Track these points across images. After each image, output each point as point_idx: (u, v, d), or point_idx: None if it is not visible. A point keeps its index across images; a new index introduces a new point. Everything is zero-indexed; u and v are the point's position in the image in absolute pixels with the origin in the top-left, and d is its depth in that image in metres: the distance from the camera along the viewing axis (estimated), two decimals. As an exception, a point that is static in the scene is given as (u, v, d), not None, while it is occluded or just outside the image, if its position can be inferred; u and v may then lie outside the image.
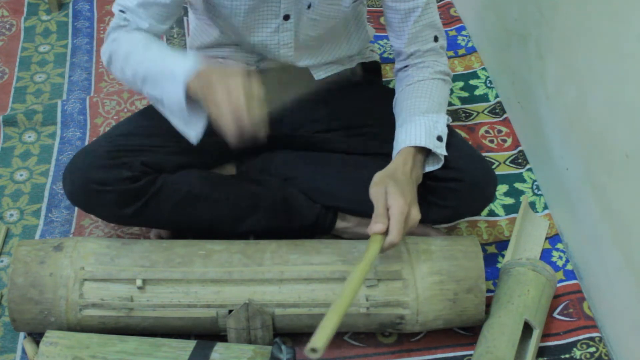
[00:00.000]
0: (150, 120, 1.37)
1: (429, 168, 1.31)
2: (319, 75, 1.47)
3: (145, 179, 1.30)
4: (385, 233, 1.16)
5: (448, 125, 1.34)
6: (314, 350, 1.00)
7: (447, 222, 1.49)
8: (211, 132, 1.17)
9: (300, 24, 1.36)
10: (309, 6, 1.33)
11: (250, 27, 1.35)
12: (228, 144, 1.13)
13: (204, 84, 1.13)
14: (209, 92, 1.12)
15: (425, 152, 1.30)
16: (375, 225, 1.16)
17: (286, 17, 1.33)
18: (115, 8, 1.30)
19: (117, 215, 1.34)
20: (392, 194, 1.18)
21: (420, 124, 1.29)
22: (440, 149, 1.29)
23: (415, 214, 1.19)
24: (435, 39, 1.39)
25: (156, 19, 1.29)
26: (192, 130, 1.20)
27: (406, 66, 1.41)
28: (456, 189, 1.33)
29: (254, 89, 1.11)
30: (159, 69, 1.21)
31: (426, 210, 1.23)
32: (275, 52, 1.40)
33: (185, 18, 1.99)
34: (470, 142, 1.69)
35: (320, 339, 1.02)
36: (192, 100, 1.17)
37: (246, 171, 1.48)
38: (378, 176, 1.23)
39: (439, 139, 1.29)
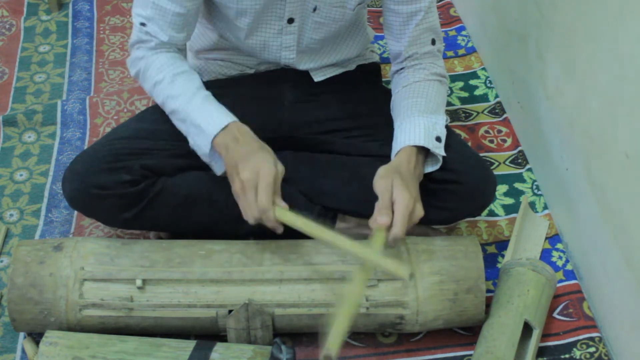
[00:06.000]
0: (149, 123, 1.37)
1: (428, 169, 1.31)
2: (318, 77, 1.47)
3: (145, 182, 1.30)
4: (389, 227, 1.17)
5: (447, 127, 1.34)
6: (328, 356, 1.00)
7: (445, 223, 1.48)
8: None
9: (304, 27, 1.36)
10: (315, 9, 1.33)
11: (253, 29, 1.35)
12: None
13: (231, 159, 1.20)
14: (234, 172, 1.19)
15: (425, 153, 1.30)
16: (381, 218, 1.16)
17: (290, 21, 1.33)
18: (135, 20, 1.31)
19: (118, 219, 1.34)
20: (398, 187, 1.18)
21: (419, 124, 1.29)
22: (439, 150, 1.29)
23: (419, 210, 1.20)
24: (433, 41, 1.39)
25: (175, 29, 1.30)
26: (217, 168, 1.28)
27: (402, 68, 1.41)
28: (455, 191, 1.32)
29: (279, 185, 1.18)
30: (185, 113, 1.26)
31: (425, 212, 1.23)
32: (276, 54, 1.40)
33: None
34: (470, 143, 1.69)
35: (334, 344, 1.02)
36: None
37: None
38: (383, 170, 1.23)
39: (438, 139, 1.29)
